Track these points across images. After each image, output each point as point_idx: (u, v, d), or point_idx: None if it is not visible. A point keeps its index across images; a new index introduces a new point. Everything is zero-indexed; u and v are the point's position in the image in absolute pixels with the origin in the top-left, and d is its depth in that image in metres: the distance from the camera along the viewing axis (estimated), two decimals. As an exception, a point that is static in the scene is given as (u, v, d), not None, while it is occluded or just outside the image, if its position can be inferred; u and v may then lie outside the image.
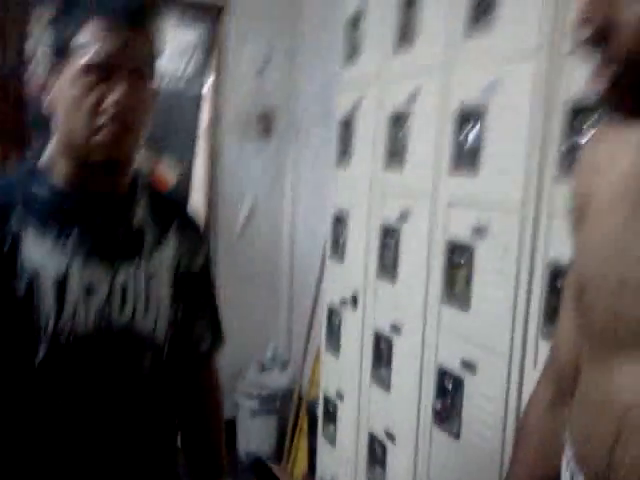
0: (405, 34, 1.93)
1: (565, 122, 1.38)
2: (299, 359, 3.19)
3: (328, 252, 2.44)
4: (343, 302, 2.30)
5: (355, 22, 2.21)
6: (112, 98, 0.92)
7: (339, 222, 2.34)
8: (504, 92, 1.52)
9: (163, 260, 1.06)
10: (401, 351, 1.97)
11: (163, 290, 1.05)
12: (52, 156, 1.01)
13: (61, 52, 0.94)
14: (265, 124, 3.27)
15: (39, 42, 3.19)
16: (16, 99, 2.56)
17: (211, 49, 3.28)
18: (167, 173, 3.44)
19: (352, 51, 2.23)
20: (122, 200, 1.03)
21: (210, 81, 3.32)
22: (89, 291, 0.96)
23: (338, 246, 2.35)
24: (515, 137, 1.50)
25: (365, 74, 2.13)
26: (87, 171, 0.99)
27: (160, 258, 1.05)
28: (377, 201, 2.07)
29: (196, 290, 1.14)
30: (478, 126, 1.60)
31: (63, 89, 0.94)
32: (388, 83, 2.01)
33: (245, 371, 3.36)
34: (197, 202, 3.53)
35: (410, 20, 1.90)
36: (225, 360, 3.30)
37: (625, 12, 0.57)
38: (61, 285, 0.94)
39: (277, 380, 3.31)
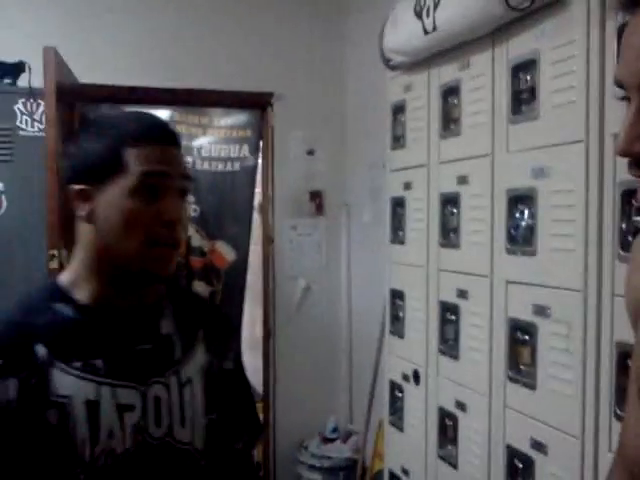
0: (449, 121, 2.01)
1: (621, 202, 1.40)
2: (361, 431, 3.18)
3: (388, 327, 2.47)
4: (405, 377, 2.31)
5: (399, 108, 2.30)
6: (169, 215, 0.96)
7: (397, 297, 2.37)
8: (554, 176, 1.56)
9: (194, 367, 1.06)
10: (467, 428, 1.96)
11: (197, 398, 1.05)
12: (78, 272, 1.01)
13: (100, 169, 0.96)
14: (317, 203, 3.37)
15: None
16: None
17: (262, 132, 3.43)
18: (224, 252, 3.56)
19: (399, 135, 2.31)
20: (148, 312, 1.04)
21: (261, 162, 3.47)
22: (123, 409, 0.96)
23: (397, 321, 2.37)
24: (570, 218, 1.52)
25: (414, 157, 2.21)
26: (119, 285, 1.00)
27: (191, 366, 1.05)
28: (434, 278, 2.11)
29: (229, 389, 1.13)
30: (531, 208, 1.64)
31: (115, 203, 0.95)
32: (437, 167, 2.08)
33: (307, 443, 3.36)
34: (254, 281, 3.63)
35: (452, 108, 1.98)
36: (286, 432, 3.38)
37: None
38: (93, 410, 0.94)
39: (340, 452, 3.29)
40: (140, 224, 0.95)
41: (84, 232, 1.00)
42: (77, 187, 0.98)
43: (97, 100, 2.95)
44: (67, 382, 0.94)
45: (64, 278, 1.02)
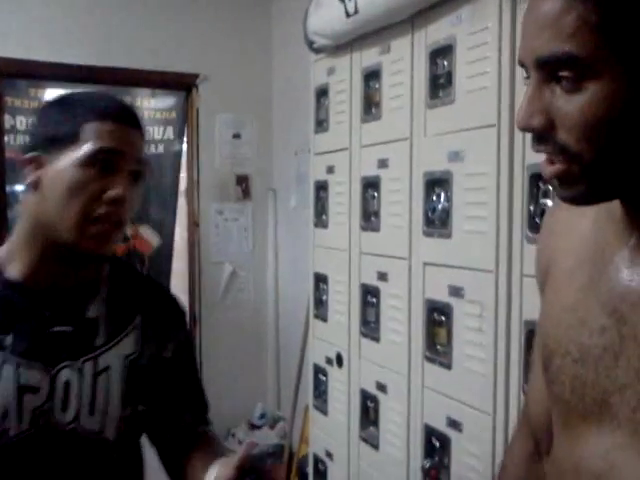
0: (370, 105, 2.02)
1: (529, 185, 1.45)
2: (289, 417, 3.18)
3: (312, 311, 2.47)
4: (329, 361, 2.32)
5: (323, 92, 2.30)
6: (115, 192, 0.94)
7: (321, 281, 2.38)
8: (468, 160, 1.59)
9: (118, 355, 1.02)
10: (388, 410, 1.99)
11: (113, 387, 1.00)
12: (14, 247, 1.00)
13: (56, 139, 0.95)
14: (243, 187, 3.34)
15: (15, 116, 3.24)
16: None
17: (187, 115, 3.36)
18: (149, 237, 3.48)
19: (322, 119, 2.31)
20: (78, 292, 1.01)
21: (187, 146, 3.40)
22: (24, 390, 0.94)
23: (321, 305, 2.38)
24: (482, 201, 1.56)
25: (336, 141, 2.21)
26: (53, 263, 0.98)
27: (114, 353, 1.01)
28: (356, 261, 2.12)
29: (170, 375, 1.10)
30: (446, 191, 1.67)
31: (63, 172, 0.93)
32: (358, 151, 2.09)
33: (235, 431, 3.34)
34: (179, 267, 3.56)
35: (373, 92, 1.99)
36: (214, 419, 3.34)
37: (560, 113, 0.62)
38: None
39: (267, 438, 3.30)
40: (83, 196, 0.93)
41: (27, 203, 0.98)
42: (30, 154, 0.96)
43: (11, 75, 2.80)
44: None
45: (1, 253, 1.01)
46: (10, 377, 0.93)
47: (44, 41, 2.93)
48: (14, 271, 0.98)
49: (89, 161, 0.93)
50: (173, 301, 1.17)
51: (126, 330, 1.04)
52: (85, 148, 0.93)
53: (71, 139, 0.94)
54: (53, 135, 0.96)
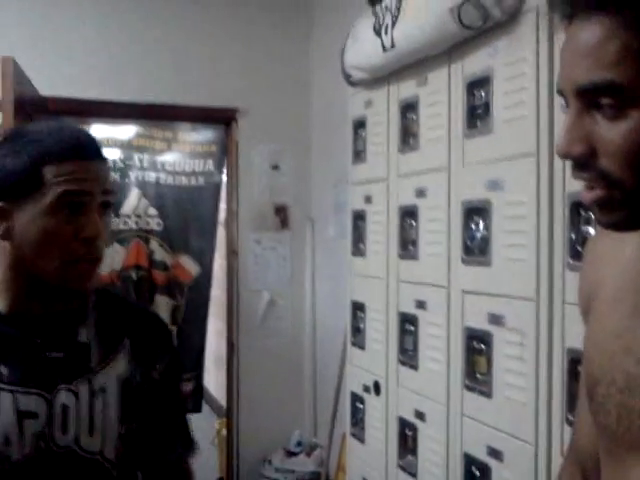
0: (407, 136, 2.05)
1: (570, 213, 1.45)
2: (325, 444, 3.18)
3: (349, 339, 2.49)
4: (366, 388, 2.33)
5: (360, 124, 2.34)
6: (88, 232, 0.95)
7: (358, 309, 2.40)
8: (507, 188, 1.61)
9: (111, 376, 1.04)
10: (427, 438, 1.98)
11: (110, 407, 1.03)
12: None
13: (18, 187, 0.95)
14: (281, 217, 3.39)
15: None
16: None
17: (227, 147, 3.45)
18: (189, 266, 3.55)
19: (360, 149, 2.35)
20: (66, 319, 1.03)
21: (226, 177, 3.48)
22: (23, 416, 0.96)
23: (359, 333, 2.40)
24: (522, 229, 1.57)
25: (374, 171, 2.25)
26: (37, 297, 1.00)
27: (108, 375, 1.04)
28: (394, 290, 2.14)
29: (154, 400, 1.11)
30: (485, 219, 1.69)
31: (32, 222, 0.94)
32: (396, 180, 2.12)
33: (271, 457, 3.34)
34: (218, 295, 3.61)
35: (410, 123, 2.03)
36: (250, 446, 3.35)
37: (602, 140, 0.63)
38: None
39: (304, 465, 3.28)
40: (59, 242, 0.95)
41: (3, 249, 0.99)
42: None
43: (59, 113, 2.92)
44: None
45: None
46: (9, 405, 0.96)
47: (90, 80, 3.05)
48: (0, 304, 1.00)
49: (57, 207, 0.94)
50: (160, 324, 1.20)
51: (117, 352, 1.06)
52: (50, 196, 0.93)
53: (34, 186, 0.94)
54: (14, 183, 0.95)
